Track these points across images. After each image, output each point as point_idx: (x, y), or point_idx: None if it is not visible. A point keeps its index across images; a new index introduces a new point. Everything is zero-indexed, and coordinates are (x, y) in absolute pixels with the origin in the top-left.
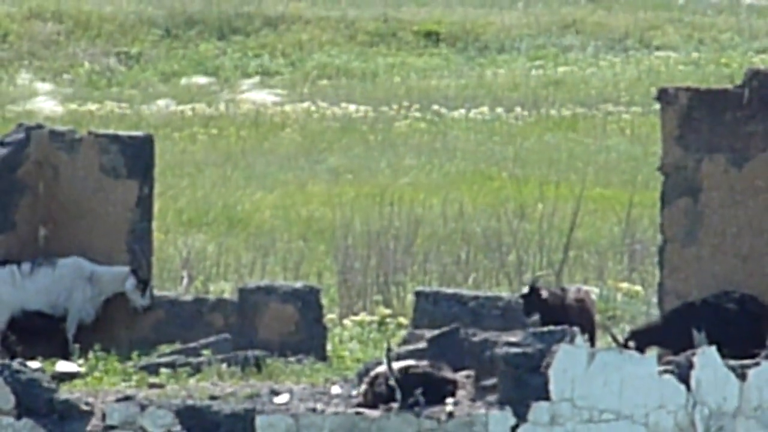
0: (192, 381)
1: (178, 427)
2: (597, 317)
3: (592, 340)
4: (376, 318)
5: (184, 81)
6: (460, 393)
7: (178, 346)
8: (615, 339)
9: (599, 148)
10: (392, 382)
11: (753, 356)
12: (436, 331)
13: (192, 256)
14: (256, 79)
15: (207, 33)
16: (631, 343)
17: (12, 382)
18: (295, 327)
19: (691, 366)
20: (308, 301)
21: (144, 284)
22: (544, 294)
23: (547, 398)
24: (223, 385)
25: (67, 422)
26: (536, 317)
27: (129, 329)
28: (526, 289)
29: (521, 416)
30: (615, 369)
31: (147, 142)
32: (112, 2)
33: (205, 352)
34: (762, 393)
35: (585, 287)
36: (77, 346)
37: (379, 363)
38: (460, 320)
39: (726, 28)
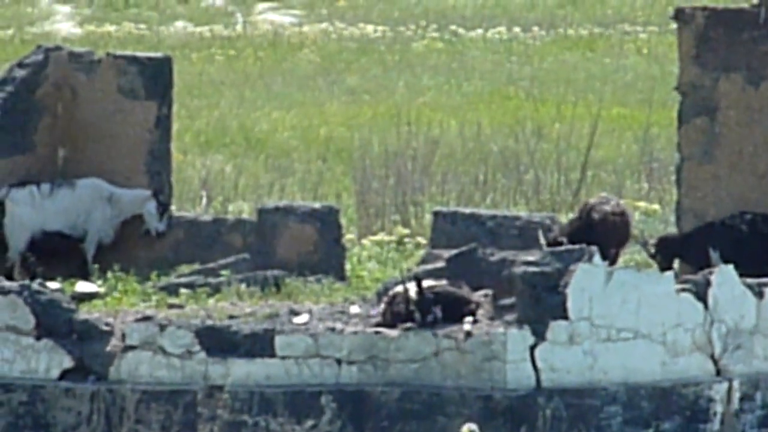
0: (211, 301)
1: (198, 347)
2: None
3: (620, 247)
4: (394, 238)
5: (201, 2)
6: (479, 312)
7: (197, 266)
8: (645, 247)
9: (616, 68)
10: (411, 302)
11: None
12: (454, 251)
13: (210, 176)
14: (274, 1)
15: None
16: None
17: (32, 303)
18: (314, 247)
19: (708, 284)
20: (327, 221)
21: (164, 208)
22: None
23: (565, 317)
24: (243, 305)
25: (87, 343)
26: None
27: (148, 250)
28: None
29: (539, 335)
30: (632, 287)
31: (165, 64)
32: None
33: (224, 272)
34: None
35: (618, 200)
36: (96, 266)
37: (398, 282)
38: (478, 240)
39: None
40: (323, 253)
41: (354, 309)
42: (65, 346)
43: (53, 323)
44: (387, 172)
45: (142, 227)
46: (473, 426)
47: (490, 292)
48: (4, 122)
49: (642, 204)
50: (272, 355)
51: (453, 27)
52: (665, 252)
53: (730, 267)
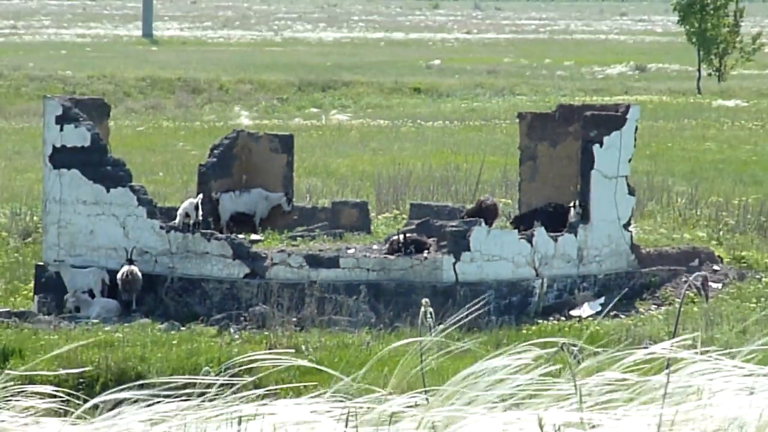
0: (311, 243)
1: (305, 263)
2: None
3: (494, 220)
4: (392, 215)
5: (307, 110)
6: (431, 249)
7: (304, 227)
8: (508, 218)
9: (492, 140)
10: (400, 243)
11: (560, 231)
12: (419, 221)
13: (310, 187)
14: (339, 109)
15: (317, 88)
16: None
17: (231, 244)
18: (357, 218)
19: (533, 235)
20: (363, 207)
21: (289, 201)
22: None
23: (469, 250)
24: (324, 245)
25: (256, 261)
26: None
27: (282, 220)
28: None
29: (458, 258)
30: (499, 237)
31: (290, 138)
32: (275, 75)
33: (317, 230)
34: (565, 247)
35: (493, 198)
36: (260, 228)
37: (394, 235)
38: (430, 216)
39: (547, 85)
40: (361, 221)
41: (375, 247)
42: (245, 262)
43: (240, 252)
44: (390, 185)
45: (280, 210)
46: (426, 300)
47: (435, 239)
48: (220, 164)
49: (503, 200)
50: (338, 266)
51: (419, 121)
52: (517, 223)
53: (542, 228)
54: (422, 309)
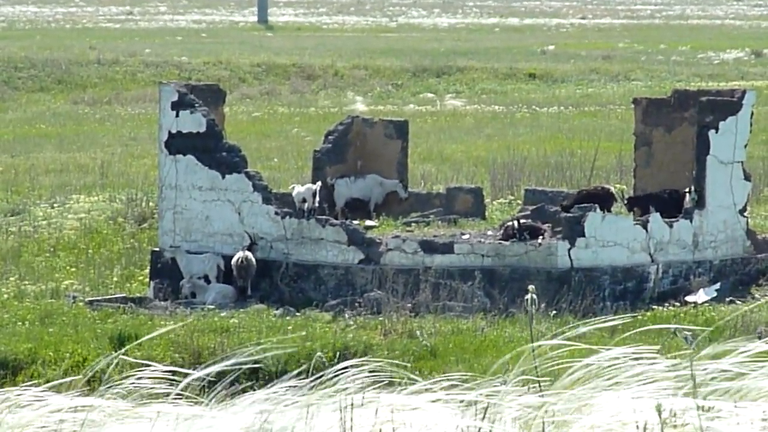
0: (425, 229)
1: (419, 249)
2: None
3: (611, 205)
4: (507, 200)
5: (421, 96)
6: (546, 234)
7: (419, 213)
8: (623, 199)
9: (607, 126)
10: (515, 229)
11: (675, 217)
12: (534, 206)
13: (425, 174)
14: (453, 94)
15: (432, 74)
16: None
17: (346, 230)
18: (471, 204)
19: (647, 221)
20: (477, 193)
21: (404, 188)
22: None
23: (583, 235)
24: (439, 231)
25: (371, 247)
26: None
27: (398, 206)
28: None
29: (572, 244)
30: (614, 223)
31: (405, 124)
32: (389, 60)
33: (431, 217)
34: (680, 233)
35: (607, 185)
36: (374, 214)
37: (509, 220)
38: (545, 202)
39: (663, 71)
40: (475, 207)
41: (489, 232)
42: (360, 248)
43: (355, 238)
44: (504, 172)
45: (395, 196)
46: (533, 287)
47: (550, 225)
48: (334, 151)
49: (617, 185)
50: (452, 252)
51: (533, 107)
52: (632, 204)
53: (658, 214)
54: (527, 296)
